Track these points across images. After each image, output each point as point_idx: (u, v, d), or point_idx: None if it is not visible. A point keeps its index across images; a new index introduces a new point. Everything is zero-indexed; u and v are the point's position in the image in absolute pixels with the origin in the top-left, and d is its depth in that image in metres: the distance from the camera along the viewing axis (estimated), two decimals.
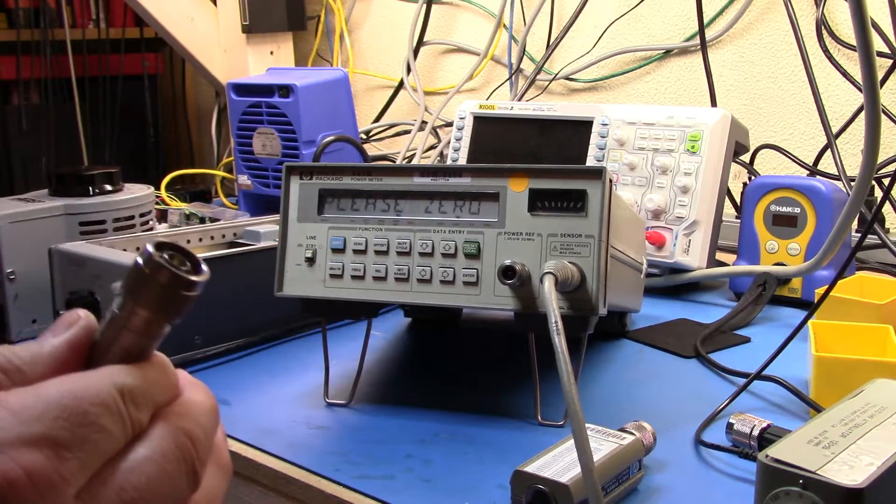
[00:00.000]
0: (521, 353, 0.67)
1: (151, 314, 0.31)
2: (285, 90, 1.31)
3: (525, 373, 0.61)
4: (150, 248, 0.31)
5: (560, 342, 0.52)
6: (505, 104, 1.16)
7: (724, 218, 1.04)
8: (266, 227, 0.98)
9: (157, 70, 2.29)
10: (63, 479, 0.27)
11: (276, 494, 0.62)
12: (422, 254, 0.66)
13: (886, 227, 1.15)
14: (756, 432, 0.61)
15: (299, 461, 0.61)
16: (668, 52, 1.41)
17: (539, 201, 0.64)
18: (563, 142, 1.10)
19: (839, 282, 0.72)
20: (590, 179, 0.63)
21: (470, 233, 0.65)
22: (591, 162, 1.06)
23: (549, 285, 0.57)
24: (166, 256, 0.31)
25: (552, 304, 0.55)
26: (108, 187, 1.00)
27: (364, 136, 1.69)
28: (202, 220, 1.25)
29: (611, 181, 0.63)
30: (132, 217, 0.99)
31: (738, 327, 0.90)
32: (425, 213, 0.66)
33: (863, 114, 0.71)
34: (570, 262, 0.61)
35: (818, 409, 0.65)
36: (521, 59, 1.55)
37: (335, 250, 0.68)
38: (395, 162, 1.59)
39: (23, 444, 0.27)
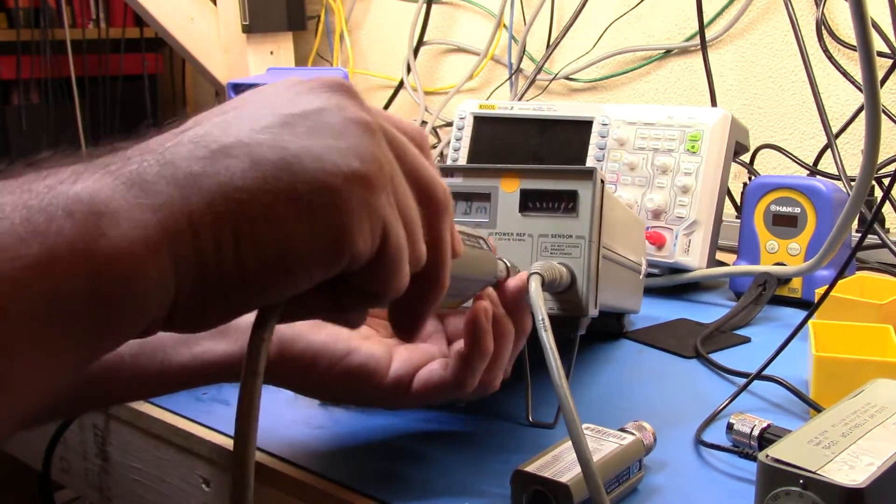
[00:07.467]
0: (520, 353, 0.67)
1: None
2: None
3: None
4: None
5: (547, 338, 0.51)
6: (505, 104, 1.15)
7: (724, 218, 1.04)
8: None
9: (157, 70, 2.29)
10: None
11: (275, 494, 0.62)
12: None
13: (886, 227, 1.15)
14: (756, 432, 0.61)
15: (299, 461, 0.61)
16: (668, 52, 1.41)
17: (530, 202, 0.64)
18: (563, 142, 1.10)
19: (839, 282, 0.72)
20: (581, 180, 0.62)
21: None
22: (591, 162, 1.06)
23: (535, 286, 0.57)
24: None
25: (538, 301, 0.55)
26: None
27: None
28: None
29: (602, 182, 0.63)
30: None
31: (738, 327, 0.90)
32: None
33: (863, 114, 0.71)
34: (560, 263, 0.61)
35: (818, 409, 0.65)
36: (521, 59, 1.55)
37: None
38: None
39: None
